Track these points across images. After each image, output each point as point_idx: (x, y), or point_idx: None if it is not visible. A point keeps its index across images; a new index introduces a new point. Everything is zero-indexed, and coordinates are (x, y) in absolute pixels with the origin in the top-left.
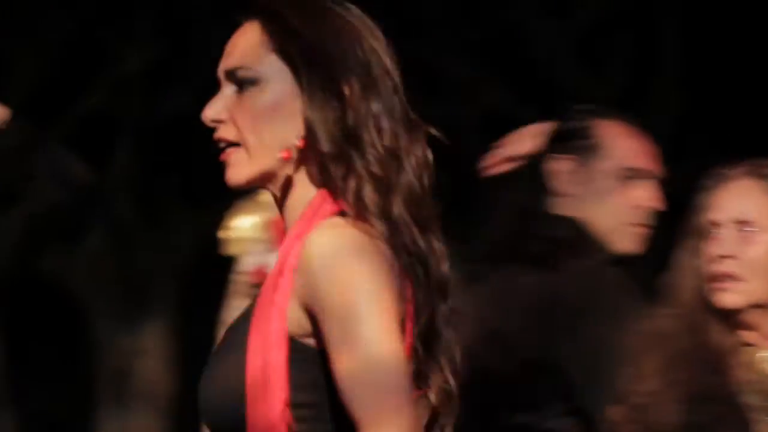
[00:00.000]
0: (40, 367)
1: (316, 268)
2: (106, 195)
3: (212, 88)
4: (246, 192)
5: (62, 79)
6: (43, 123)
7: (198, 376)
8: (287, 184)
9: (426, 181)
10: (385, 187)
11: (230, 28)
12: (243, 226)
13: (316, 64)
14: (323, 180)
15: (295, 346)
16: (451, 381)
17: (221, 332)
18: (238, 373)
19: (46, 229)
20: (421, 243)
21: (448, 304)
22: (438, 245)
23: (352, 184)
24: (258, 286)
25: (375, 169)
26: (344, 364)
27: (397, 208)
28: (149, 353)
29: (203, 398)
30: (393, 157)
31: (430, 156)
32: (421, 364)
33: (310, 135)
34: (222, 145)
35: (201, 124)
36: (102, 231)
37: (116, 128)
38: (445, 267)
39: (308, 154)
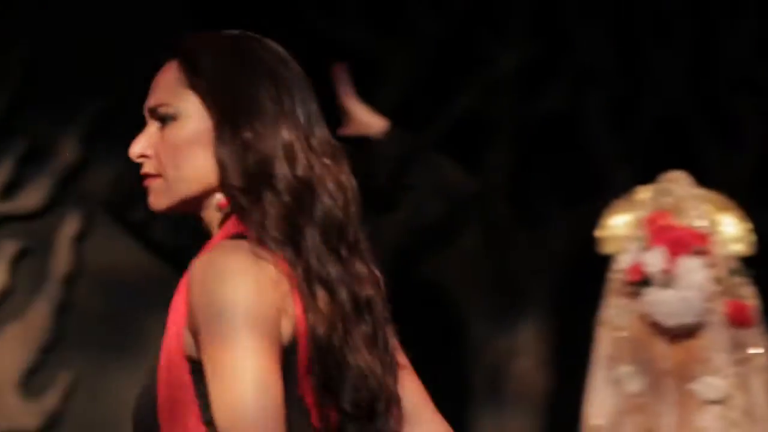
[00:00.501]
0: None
1: (193, 292)
2: (481, 195)
3: (585, 88)
4: (623, 190)
5: (435, 81)
6: (416, 126)
7: (572, 376)
8: (208, 211)
9: (348, 207)
10: (294, 215)
11: (599, 27)
12: (619, 224)
13: (224, 101)
14: (234, 207)
15: (195, 366)
16: (353, 396)
17: (599, 332)
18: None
19: (425, 233)
20: (333, 268)
21: (371, 325)
22: (361, 269)
23: (258, 211)
24: (634, 284)
25: (285, 198)
26: (210, 385)
27: (308, 234)
28: (524, 353)
29: (133, 419)
30: (306, 186)
31: (353, 183)
32: (324, 380)
33: (220, 169)
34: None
35: (575, 123)
36: (476, 231)
37: (490, 128)
38: (366, 290)
39: (223, 184)
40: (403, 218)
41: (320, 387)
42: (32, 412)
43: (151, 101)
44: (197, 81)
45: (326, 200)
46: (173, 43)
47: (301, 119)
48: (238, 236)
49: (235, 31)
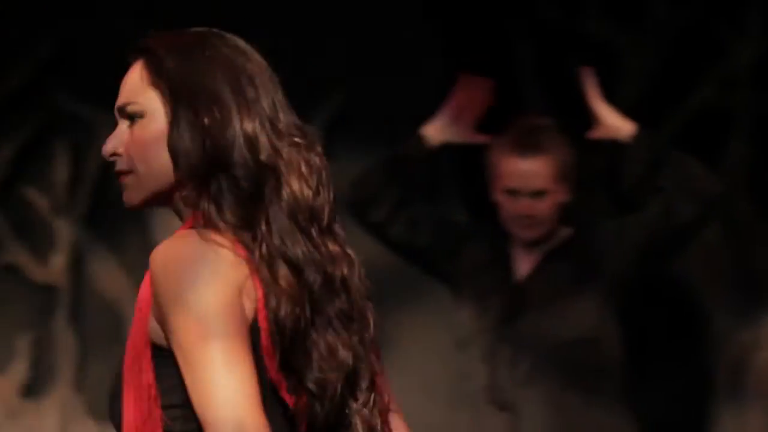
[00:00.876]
0: (658, 366)
1: (154, 279)
2: (722, 189)
3: None
4: None
5: (670, 76)
6: (651, 122)
7: None
8: (179, 204)
9: (320, 188)
10: (254, 199)
11: None
12: None
13: (182, 95)
14: (195, 198)
15: (160, 352)
16: (317, 376)
17: None
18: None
19: (673, 233)
20: (300, 249)
21: (347, 304)
22: (335, 247)
23: (215, 199)
24: None
25: (243, 184)
26: (183, 373)
27: (272, 217)
28: (767, 347)
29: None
30: (270, 170)
31: (325, 164)
32: (287, 359)
33: (173, 160)
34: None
35: None
36: (718, 226)
37: (728, 123)
38: (339, 267)
39: (178, 175)
40: (650, 219)
41: (284, 366)
42: None
43: (120, 100)
44: (159, 79)
45: (295, 182)
46: (138, 44)
47: (266, 107)
48: (199, 225)
49: (199, 28)
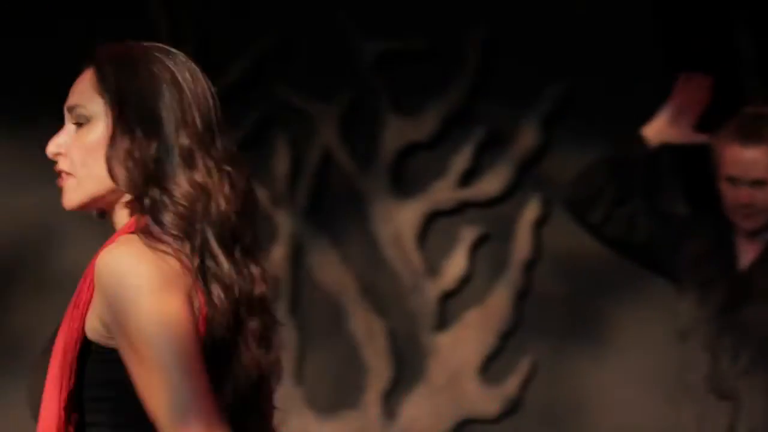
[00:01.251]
0: None
1: (103, 283)
2: None
3: None
4: None
5: None
6: None
7: None
8: (116, 208)
9: (244, 211)
10: (190, 216)
11: None
12: None
13: (123, 108)
14: (135, 206)
15: (94, 347)
16: (235, 385)
17: None
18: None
19: None
20: (226, 266)
21: (261, 322)
22: (255, 269)
23: (152, 211)
24: None
25: (180, 201)
26: (131, 369)
27: (204, 234)
28: None
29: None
30: (203, 190)
31: (251, 188)
32: (217, 366)
33: (108, 172)
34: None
35: None
36: None
37: None
38: (258, 288)
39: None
40: None
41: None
42: (493, 398)
43: (69, 101)
44: (104, 88)
45: (222, 204)
46: (91, 52)
47: (203, 128)
48: (140, 232)
49: (149, 43)
